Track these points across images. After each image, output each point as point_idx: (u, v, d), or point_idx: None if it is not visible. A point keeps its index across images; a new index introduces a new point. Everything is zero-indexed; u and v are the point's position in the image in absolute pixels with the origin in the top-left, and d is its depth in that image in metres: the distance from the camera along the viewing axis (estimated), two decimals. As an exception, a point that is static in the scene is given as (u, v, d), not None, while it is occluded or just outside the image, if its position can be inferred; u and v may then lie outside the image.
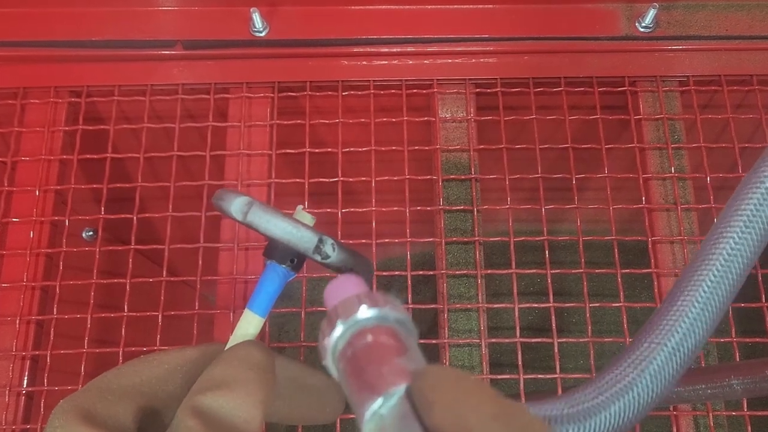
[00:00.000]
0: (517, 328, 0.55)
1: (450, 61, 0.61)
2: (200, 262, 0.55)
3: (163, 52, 0.60)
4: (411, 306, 0.54)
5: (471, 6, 0.62)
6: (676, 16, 0.62)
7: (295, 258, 0.29)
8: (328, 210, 0.56)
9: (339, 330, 0.22)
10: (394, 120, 0.59)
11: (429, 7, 0.62)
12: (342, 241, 0.29)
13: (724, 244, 0.26)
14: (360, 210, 0.57)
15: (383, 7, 0.61)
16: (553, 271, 0.55)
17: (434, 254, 0.59)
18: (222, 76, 0.61)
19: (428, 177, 0.59)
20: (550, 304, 0.54)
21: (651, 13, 0.59)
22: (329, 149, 0.58)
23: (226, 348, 0.28)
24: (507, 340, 0.55)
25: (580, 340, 0.54)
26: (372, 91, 0.60)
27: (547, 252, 0.56)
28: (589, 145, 0.59)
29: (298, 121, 0.59)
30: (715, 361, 0.56)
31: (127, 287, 0.55)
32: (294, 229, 0.28)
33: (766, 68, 0.61)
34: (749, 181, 0.27)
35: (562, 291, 0.61)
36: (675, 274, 0.56)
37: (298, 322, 0.55)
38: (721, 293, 0.26)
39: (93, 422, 0.23)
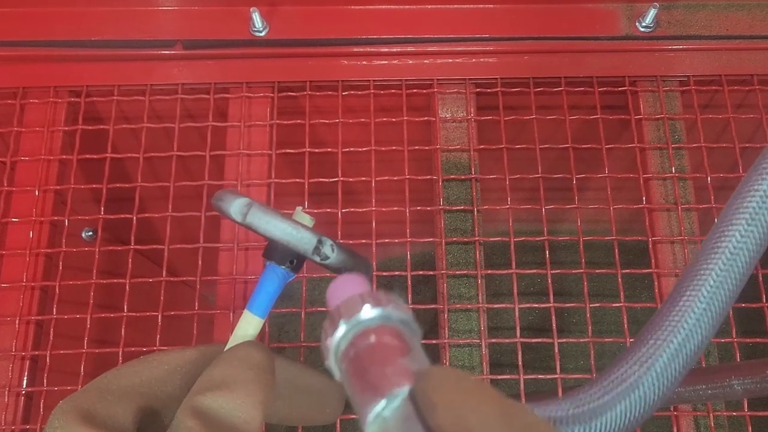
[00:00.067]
0: (518, 328, 0.54)
1: (450, 60, 0.61)
2: (200, 263, 0.55)
3: (162, 52, 0.60)
4: (411, 306, 0.54)
5: (471, 6, 0.61)
6: (677, 16, 0.61)
7: (294, 259, 0.29)
8: (328, 210, 0.56)
9: (342, 330, 0.22)
10: (394, 120, 0.59)
11: (429, 6, 0.61)
12: (342, 241, 0.29)
13: (726, 243, 0.26)
14: (360, 210, 0.57)
15: (383, 6, 0.61)
16: (553, 272, 0.55)
17: (434, 254, 0.59)
18: (222, 76, 0.60)
19: (428, 177, 0.59)
20: (551, 305, 0.54)
21: (651, 13, 0.59)
22: (329, 149, 0.58)
23: (225, 349, 0.28)
24: (507, 341, 0.55)
25: (581, 340, 0.54)
26: (372, 91, 0.60)
27: (547, 252, 0.56)
28: (589, 145, 0.59)
29: (298, 121, 0.59)
30: (716, 361, 0.56)
31: (127, 287, 0.54)
32: (293, 230, 0.28)
33: (767, 68, 0.61)
34: (750, 180, 0.26)
35: (562, 291, 0.61)
36: (675, 274, 0.56)
37: (298, 323, 0.55)
38: (724, 292, 0.26)
39: (92, 423, 0.23)
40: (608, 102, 0.61)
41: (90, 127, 0.59)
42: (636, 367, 0.25)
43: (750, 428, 0.51)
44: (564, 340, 0.53)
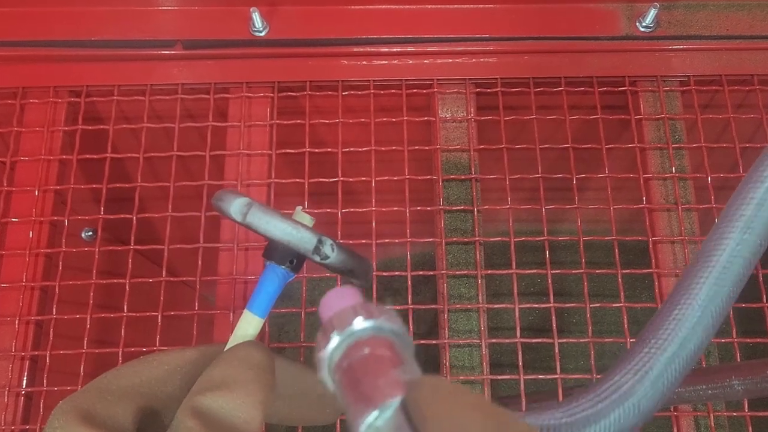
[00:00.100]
0: (518, 328, 0.54)
1: (450, 60, 0.61)
2: (200, 263, 0.55)
3: (162, 52, 0.60)
4: (411, 306, 0.54)
5: (471, 6, 0.61)
6: (677, 16, 0.61)
7: (294, 259, 0.29)
8: (328, 210, 0.56)
9: (335, 342, 0.22)
10: (394, 120, 0.59)
11: (429, 6, 0.61)
12: (342, 241, 0.29)
13: (725, 245, 0.26)
14: (360, 210, 0.57)
15: (383, 6, 0.61)
16: (553, 272, 0.55)
17: (434, 254, 0.59)
18: (222, 76, 0.60)
19: (428, 177, 0.59)
20: (551, 305, 0.54)
21: (651, 13, 0.59)
22: (329, 149, 0.58)
23: (225, 349, 0.28)
24: (507, 341, 0.55)
25: (581, 340, 0.54)
26: (372, 91, 0.60)
27: (547, 252, 0.56)
28: (589, 145, 0.59)
29: (298, 121, 0.59)
30: (716, 361, 0.56)
31: (127, 287, 0.54)
32: (293, 230, 0.27)
33: (767, 68, 0.61)
34: (749, 181, 0.26)
35: (562, 291, 0.61)
36: (676, 274, 0.56)
37: (298, 323, 0.55)
38: (722, 296, 0.26)
39: (92, 423, 0.23)
40: (608, 102, 0.61)
41: (90, 127, 0.59)
42: (630, 375, 0.25)
43: (750, 428, 0.51)
44: (564, 340, 0.53)
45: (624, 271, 0.55)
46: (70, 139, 0.60)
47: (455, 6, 0.61)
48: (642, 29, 0.61)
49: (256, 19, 0.59)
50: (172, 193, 0.57)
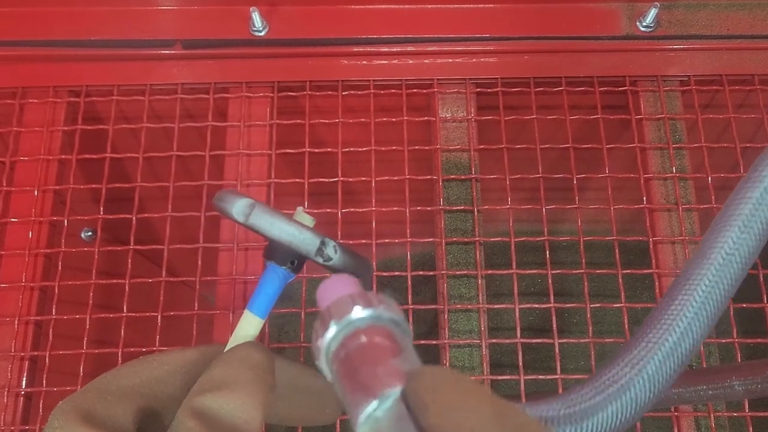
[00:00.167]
0: (518, 328, 0.54)
1: (450, 60, 0.61)
2: (200, 263, 0.55)
3: (162, 52, 0.60)
4: (411, 306, 0.54)
5: (471, 5, 0.61)
6: (677, 16, 0.61)
7: (295, 260, 0.29)
8: (328, 210, 0.56)
9: (332, 331, 0.22)
10: (394, 120, 0.59)
11: (429, 6, 0.61)
12: (342, 241, 0.29)
13: (722, 244, 0.26)
14: (360, 210, 0.56)
15: (383, 6, 0.61)
16: (553, 272, 0.55)
17: (434, 254, 0.59)
18: (221, 76, 0.60)
19: (428, 177, 0.59)
20: (551, 305, 0.54)
21: (652, 13, 0.59)
22: (329, 149, 0.58)
23: (225, 349, 0.28)
24: (507, 341, 0.55)
25: (581, 340, 0.54)
26: (372, 91, 0.60)
27: (547, 252, 0.56)
28: (589, 145, 0.59)
29: (298, 121, 0.59)
30: (717, 361, 0.55)
31: (126, 288, 0.54)
32: (297, 231, 0.27)
33: (768, 68, 0.61)
34: (748, 180, 0.26)
35: (562, 291, 0.60)
36: (676, 274, 0.55)
37: (297, 323, 0.55)
38: (718, 293, 0.26)
39: (92, 423, 0.23)
40: (609, 102, 0.61)
41: (89, 127, 0.59)
42: (628, 369, 0.25)
43: (751, 429, 0.51)
44: (564, 340, 0.53)
45: (624, 272, 0.55)
46: (69, 139, 0.60)
47: (455, 6, 0.61)
48: (642, 29, 0.61)
49: (256, 18, 0.59)
50: (172, 193, 0.57)
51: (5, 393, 0.52)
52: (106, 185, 0.57)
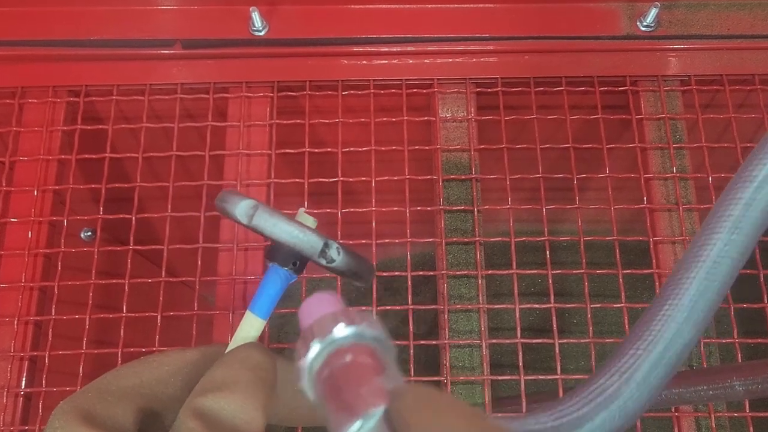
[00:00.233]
0: (518, 328, 0.54)
1: (450, 60, 0.61)
2: (199, 263, 0.55)
3: (162, 52, 0.60)
4: (411, 307, 0.54)
5: (471, 5, 0.61)
6: (678, 15, 0.61)
7: (297, 261, 0.29)
8: (328, 210, 0.56)
9: (315, 350, 0.21)
10: (394, 120, 0.59)
11: (429, 6, 0.61)
12: (342, 241, 0.29)
13: (708, 251, 0.26)
14: (360, 210, 0.56)
15: (383, 6, 0.61)
16: (554, 272, 0.55)
17: (434, 254, 0.59)
18: (221, 76, 0.60)
19: (428, 177, 0.59)
20: (551, 305, 0.54)
21: (652, 13, 0.59)
22: (329, 149, 0.58)
23: (227, 350, 0.28)
24: (508, 341, 0.54)
25: (582, 340, 0.54)
26: (372, 91, 0.60)
27: (548, 252, 0.56)
28: (590, 145, 0.58)
29: (298, 121, 0.59)
30: (717, 362, 0.55)
31: (126, 288, 0.54)
32: (300, 233, 0.27)
33: (768, 68, 0.61)
34: (738, 180, 0.26)
35: (563, 291, 0.60)
36: (676, 274, 0.55)
37: (297, 323, 0.55)
38: (705, 300, 0.25)
39: (93, 423, 0.23)
40: (609, 102, 0.61)
41: (89, 127, 0.59)
42: (616, 377, 0.25)
43: (751, 429, 0.51)
44: (565, 340, 0.53)
45: (625, 272, 0.55)
46: (69, 138, 0.59)
47: (455, 5, 0.61)
48: (643, 29, 0.61)
49: (256, 18, 0.58)
50: (172, 193, 0.57)
51: (5, 393, 0.52)
52: (105, 185, 0.57)
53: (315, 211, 0.56)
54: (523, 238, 0.56)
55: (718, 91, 0.62)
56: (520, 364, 0.53)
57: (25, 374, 0.52)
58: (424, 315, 0.60)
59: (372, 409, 0.19)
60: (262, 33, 0.60)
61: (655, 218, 0.57)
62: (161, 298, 0.54)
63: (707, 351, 0.54)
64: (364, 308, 0.53)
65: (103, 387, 0.25)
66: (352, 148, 0.58)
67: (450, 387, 0.53)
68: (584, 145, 0.58)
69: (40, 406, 0.51)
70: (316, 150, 0.58)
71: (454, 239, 0.57)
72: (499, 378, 0.53)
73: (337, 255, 0.28)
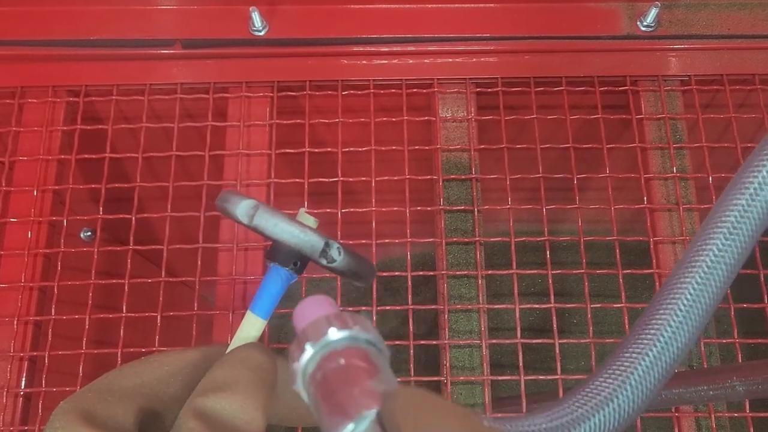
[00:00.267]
0: (518, 328, 0.54)
1: (450, 60, 0.61)
2: (199, 263, 0.55)
3: (161, 52, 0.60)
4: (411, 307, 0.54)
5: (471, 5, 0.61)
6: (678, 15, 0.61)
7: (298, 261, 0.29)
8: (328, 210, 0.56)
9: (308, 353, 0.21)
10: (394, 120, 0.59)
11: (429, 6, 0.61)
12: (342, 241, 0.29)
13: (709, 248, 0.26)
14: (360, 210, 0.56)
15: (383, 6, 0.61)
16: (554, 272, 0.55)
17: (435, 254, 0.59)
18: (221, 76, 0.60)
19: (428, 177, 0.59)
20: (551, 305, 0.54)
21: (652, 12, 0.59)
22: (329, 149, 0.58)
23: (228, 350, 0.28)
24: (508, 341, 0.54)
25: (582, 341, 0.54)
26: (372, 91, 0.60)
27: (548, 252, 0.56)
28: (590, 145, 0.58)
29: (298, 121, 0.59)
30: (718, 362, 0.55)
31: (126, 288, 0.54)
32: (301, 233, 0.27)
33: (768, 67, 0.61)
34: (735, 184, 0.26)
35: (563, 291, 0.60)
36: (677, 274, 0.55)
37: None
38: (704, 300, 0.25)
39: (93, 423, 0.23)
40: (609, 102, 0.61)
41: (89, 127, 0.59)
42: (611, 380, 0.25)
43: (752, 429, 0.51)
44: (565, 340, 0.53)
45: (625, 272, 0.55)
46: (68, 138, 0.59)
47: (455, 5, 0.61)
48: (643, 28, 0.60)
49: (256, 18, 0.58)
50: (171, 193, 0.57)
51: (5, 393, 0.51)
52: (105, 185, 0.57)
53: (315, 211, 0.55)
54: (523, 238, 0.56)
55: (718, 91, 0.62)
56: (520, 364, 0.53)
57: (24, 374, 0.52)
58: (424, 315, 0.60)
59: (364, 411, 0.19)
60: (262, 33, 0.60)
61: (656, 218, 0.57)
62: (161, 298, 0.54)
63: (707, 351, 0.54)
64: (364, 308, 0.53)
65: (103, 387, 0.25)
66: (352, 148, 0.58)
67: (450, 387, 0.53)
68: (584, 145, 0.58)
69: (40, 406, 0.51)
70: (316, 150, 0.58)
71: (454, 239, 0.57)
72: (499, 378, 0.53)
73: (338, 255, 0.28)
